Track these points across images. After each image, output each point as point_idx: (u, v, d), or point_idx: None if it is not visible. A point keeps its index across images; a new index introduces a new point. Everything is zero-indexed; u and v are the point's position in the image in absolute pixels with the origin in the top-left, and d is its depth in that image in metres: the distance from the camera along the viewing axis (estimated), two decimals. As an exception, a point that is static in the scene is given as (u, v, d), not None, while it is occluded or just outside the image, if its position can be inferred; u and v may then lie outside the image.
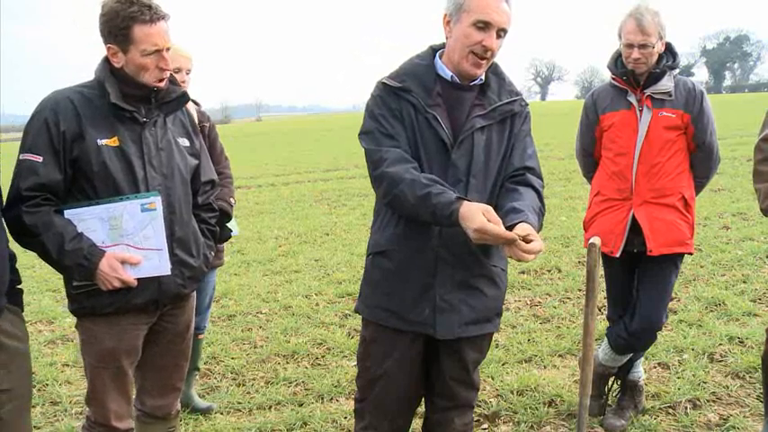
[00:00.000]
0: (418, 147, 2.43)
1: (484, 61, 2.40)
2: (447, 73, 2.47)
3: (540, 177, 2.57)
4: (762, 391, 3.92)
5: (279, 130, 50.74)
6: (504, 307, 2.79)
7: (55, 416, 4.12)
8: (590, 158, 3.80)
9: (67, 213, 2.51)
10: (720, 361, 4.50)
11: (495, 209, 2.33)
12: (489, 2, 2.34)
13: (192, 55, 3.69)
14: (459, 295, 2.48)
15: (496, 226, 2.16)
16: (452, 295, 2.47)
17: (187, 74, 3.63)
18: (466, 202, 2.23)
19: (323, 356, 4.87)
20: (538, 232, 2.31)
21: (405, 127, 2.44)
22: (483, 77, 2.51)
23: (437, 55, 2.54)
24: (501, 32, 2.39)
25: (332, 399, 4.18)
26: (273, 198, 13.47)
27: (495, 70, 2.55)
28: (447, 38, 2.48)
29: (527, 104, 2.60)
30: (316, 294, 6.46)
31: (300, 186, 15.15)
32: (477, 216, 2.16)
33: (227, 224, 3.37)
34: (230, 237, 3.46)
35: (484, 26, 2.35)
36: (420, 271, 2.44)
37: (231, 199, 3.64)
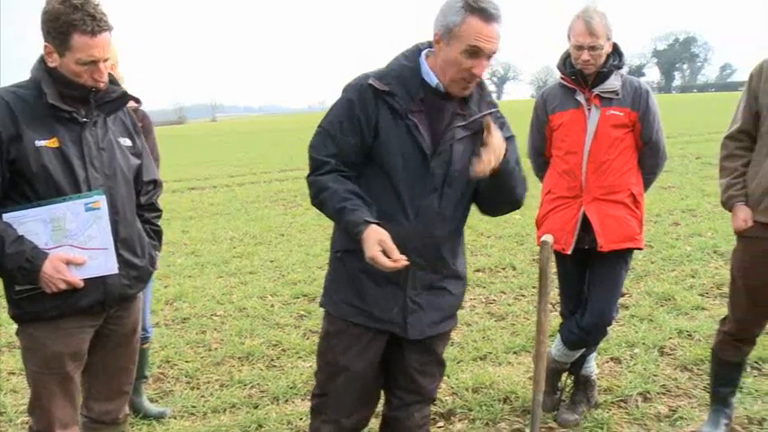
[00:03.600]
0: (393, 153, 2.42)
1: (471, 84, 2.42)
2: (433, 80, 2.44)
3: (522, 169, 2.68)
4: (708, 382, 4.03)
5: (234, 131, 50.26)
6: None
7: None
8: (541, 157, 3.82)
9: (6, 217, 2.43)
10: (670, 354, 4.59)
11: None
12: (481, 29, 2.29)
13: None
14: (428, 297, 2.56)
15: (386, 259, 2.24)
16: (421, 297, 2.54)
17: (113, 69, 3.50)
18: (372, 227, 2.29)
19: (278, 358, 4.84)
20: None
21: (362, 137, 2.43)
22: None
23: (423, 55, 2.50)
24: (491, 56, 2.38)
25: (287, 400, 4.15)
26: (228, 199, 13.33)
27: (479, 82, 2.55)
28: (436, 51, 2.43)
29: (503, 116, 2.61)
30: (271, 296, 6.41)
31: (256, 187, 15.04)
32: (373, 247, 2.25)
33: None
34: None
35: (475, 53, 2.32)
36: (390, 273, 2.44)
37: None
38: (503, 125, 2.58)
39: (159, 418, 4.01)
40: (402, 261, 2.26)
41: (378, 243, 2.24)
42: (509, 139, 2.62)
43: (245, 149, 28.44)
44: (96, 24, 2.38)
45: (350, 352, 2.56)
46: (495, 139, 2.35)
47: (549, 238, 2.62)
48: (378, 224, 2.32)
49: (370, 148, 2.45)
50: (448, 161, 2.43)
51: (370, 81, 2.43)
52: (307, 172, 2.55)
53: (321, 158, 2.47)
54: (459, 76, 2.36)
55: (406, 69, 2.46)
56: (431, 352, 2.69)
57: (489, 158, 2.33)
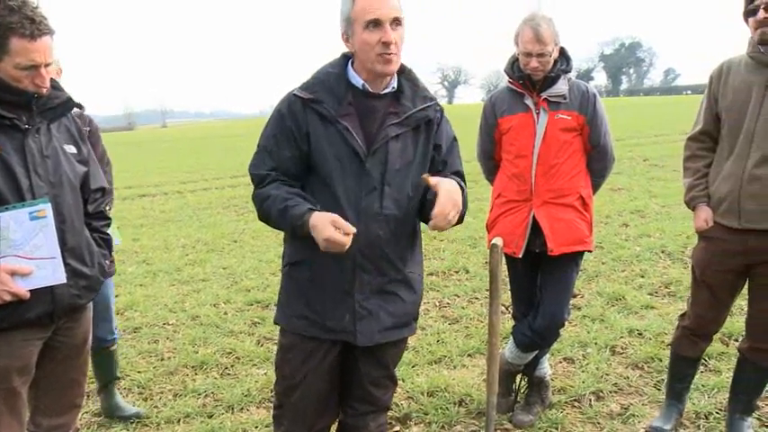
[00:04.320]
0: (328, 159, 2.42)
1: (392, 55, 2.38)
2: (358, 81, 2.46)
3: (464, 179, 2.65)
4: (659, 379, 4.12)
5: (185, 137, 49.69)
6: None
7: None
8: (491, 161, 3.85)
9: None
10: (621, 353, 4.67)
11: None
12: (372, 1, 2.34)
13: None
14: (377, 301, 2.52)
15: (343, 236, 2.23)
16: (370, 302, 2.51)
17: (57, 74, 3.43)
18: (316, 213, 2.30)
19: (232, 366, 4.79)
20: (463, 207, 2.42)
21: (297, 147, 2.44)
22: (396, 85, 2.52)
23: (349, 63, 2.52)
24: (396, 22, 2.37)
25: (242, 408, 4.11)
26: (180, 206, 13.20)
27: (408, 75, 2.56)
28: (351, 50, 2.47)
29: (441, 109, 2.62)
30: (224, 303, 6.35)
31: (207, 193, 14.93)
32: (327, 227, 2.23)
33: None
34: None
35: (375, 25, 2.34)
36: (337, 279, 2.47)
37: (107, 207, 3.49)
38: (442, 121, 2.60)
39: (137, 418, 4.04)
40: (352, 229, 2.26)
41: (330, 223, 2.24)
42: (452, 142, 2.65)
43: (197, 155, 28.13)
44: (36, 28, 2.31)
45: (305, 366, 2.56)
46: (443, 188, 2.34)
47: (498, 241, 2.63)
48: (320, 211, 2.33)
49: (308, 158, 2.46)
50: (384, 160, 2.43)
51: (296, 92, 2.46)
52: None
53: (261, 173, 2.49)
54: (374, 53, 2.36)
55: (330, 76, 2.48)
56: (382, 363, 2.67)
57: (443, 211, 2.31)
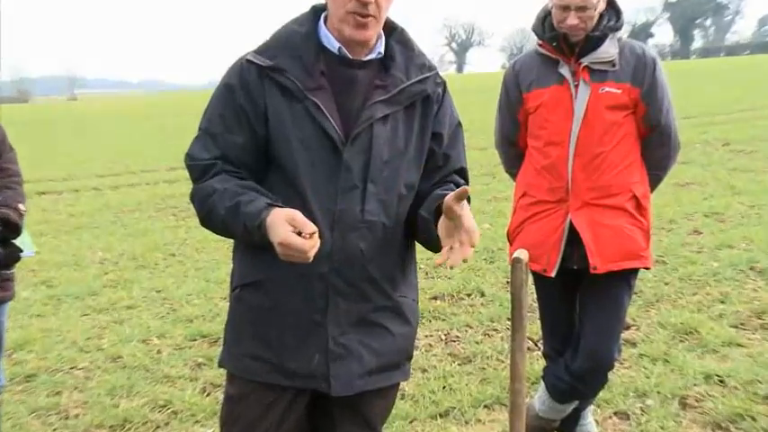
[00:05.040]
0: (293, 147, 2.41)
1: (369, 19, 2.37)
2: (334, 44, 2.46)
3: (467, 178, 2.68)
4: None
5: (103, 113, 49.44)
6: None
7: None
8: (513, 149, 3.88)
9: None
10: (695, 407, 4.60)
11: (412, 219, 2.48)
12: None
13: None
14: (357, 336, 2.50)
15: (304, 240, 2.16)
16: (349, 336, 2.49)
17: None
18: (276, 209, 2.25)
19: (167, 424, 4.77)
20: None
21: (252, 130, 2.44)
22: (383, 49, 2.52)
23: (321, 19, 2.53)
24: None
25: (180, 483, 4.16)
26: (97, 207, 13.18)
27: (400, 37, 2.56)
28: (325, 4, 2.50)
29: (444, 82, 2.62)
30: (157, 338, 6.34)
31: (136, 190, 14.93)
32: (281, 227, 2.18)
33: (14, 240, 3.27)
34: (20, 258, 3.36)
35: None
36: (305, 306, 2.45)
37: (20, 205, 3.52)
38: (445, 98, 2.60)
39: None
40: (316, 236, 2.19)
41: (286, 222, 2.18)
42: (456, 129, 2.66)
43: (120, 139, 28.01)
44: None
45: (261, 424, 2.54)
46: (467, 219, 2.31)
47: (523, 254, 2.62)
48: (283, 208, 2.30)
49: (265, 146, 2.45)
50: (367, 149, 2.42)
51: (249, 57, 2.45)
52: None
53: (203, 163, 2.46)
54: (343, 11, 2.37)
55: (296, 36, 2.47)
56: (366, 420, 2.65)
57: (465, 250, 2.28)
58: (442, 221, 2.35)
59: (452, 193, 2.28)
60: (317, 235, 2.19)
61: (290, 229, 2.17)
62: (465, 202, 2.31)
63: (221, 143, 2.45)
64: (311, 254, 2.18)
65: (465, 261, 2.29)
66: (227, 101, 2.46)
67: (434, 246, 2.45)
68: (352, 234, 2.43)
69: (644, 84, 3.55)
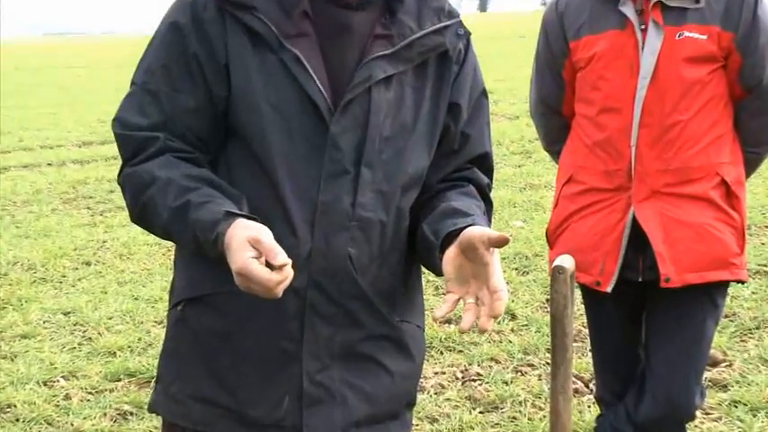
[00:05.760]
0: (263, 113, 2.27)
1: None
2: None
3: (491, 168, 2.57)
4: None
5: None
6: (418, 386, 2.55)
7: None
8: (556, 118, 3.73)
9: None
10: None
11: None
12: None
13: None
14: (342, 373, 2.40)
15: (270, 275, 2.02)
16: (331, 374, 2.39)
17: None
18: (238, 220, 2.10)
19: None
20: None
21: (206, 89, 2.30)
22: None
23: None
24: None
25: None
26: (-29, 198, 12.50)
27: None
28: None
29: (467, 33, 2.44)
30: (65, 378, 6.13)
31: (34, 175, 14.97)
32: (241, 251, 2.03)
33: None
34: None
35: None
36: (273, 330, 2.31)
37: None
38: (467, 59, 2.48)
39: None
40: (288, 268, 2.04)
41: (249, 244, 2.02)
42: (480, 99, 2.49)
43: (11, 102, 27.95)
44: None
45: None
46: (495, 274, 2.21)
47: (567, 261, 2.53)
48: (249, 218, 2.13)
49: (225, 111, 2.30)
50: (363, 121, 2.30)
51: None
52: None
53: (140, 134, 2.29)
54: None
55: None
56: None
57: (484, 321, 2.21)
58: (453, 257, 2.22)
59: (485, 233, 2.15)
60: (289, 267, 2.02)
61: (253, 254, 2.03)
62: (496, 255, 2.16)
63: (165, 105, 2.29)
64: (278, 291, 2.03)
65: (483, 332, 2.27)
66: (174, 46, 2.29)
67: (431, 270, 2.40)
68: (338, 235, 2.31)
69: (739, 26, 3.33)
